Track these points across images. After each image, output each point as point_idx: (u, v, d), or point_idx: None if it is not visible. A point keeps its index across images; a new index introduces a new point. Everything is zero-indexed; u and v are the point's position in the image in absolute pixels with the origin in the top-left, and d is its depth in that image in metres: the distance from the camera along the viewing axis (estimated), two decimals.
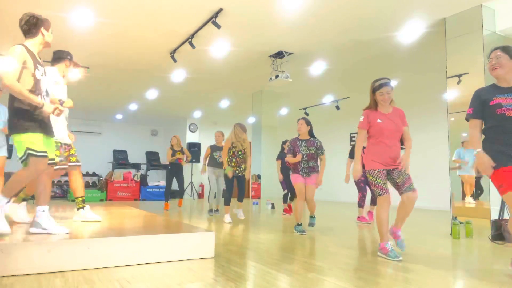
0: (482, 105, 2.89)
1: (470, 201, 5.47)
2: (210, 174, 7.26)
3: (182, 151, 8.61)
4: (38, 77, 2.97)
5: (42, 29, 3.05)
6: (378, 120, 3.63)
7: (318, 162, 5.31)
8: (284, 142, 7.98)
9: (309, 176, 5.12)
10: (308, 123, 5.23)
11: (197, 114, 13.24)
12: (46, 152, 2.97)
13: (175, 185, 9.24)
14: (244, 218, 6.56)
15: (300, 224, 5.18)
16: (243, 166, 6.16)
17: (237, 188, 6.28)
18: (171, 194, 8.73)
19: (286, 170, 7.84)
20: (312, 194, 5.12)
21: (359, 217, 6.48)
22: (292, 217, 7.41)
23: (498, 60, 2.89)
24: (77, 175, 4.04)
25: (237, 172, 6.13)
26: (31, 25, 3.00)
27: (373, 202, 6.30)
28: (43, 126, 3.01)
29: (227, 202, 6.13)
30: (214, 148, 7.41)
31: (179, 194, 8.87)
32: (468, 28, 5.03)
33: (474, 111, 2.92)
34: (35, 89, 2.93)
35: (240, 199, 6.39)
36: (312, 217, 5.31)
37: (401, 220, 3.61)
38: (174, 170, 8.52)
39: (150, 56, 7.15)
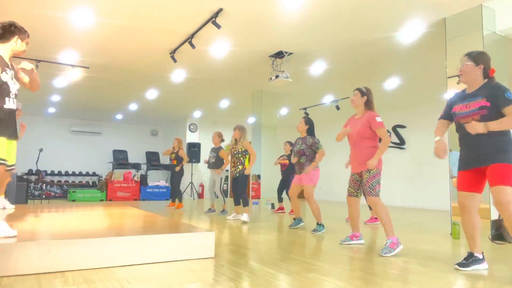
0: (450, 109, 3.08)
1: None
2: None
3: (176, 153, 8.48)
4: (4, 80, 2.91)
5: (16, 37, 3.05)
6: (348, 126, 4.10)
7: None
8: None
9: (301, 173, 5.19)
10: (307, 122, 5.36)
11: (197, 114, 13.23)
12: (6, 160, 2.87)
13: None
14: (246, 223, 5.86)
15: (295, 219, 5.40)
16: (240, 167, 6.08)
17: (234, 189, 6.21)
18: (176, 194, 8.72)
19: (286, 171, 7.90)
20: (307, 193, 5.10)
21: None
22: (286, 215, 7.51)
23: (463, 67, 2.95)
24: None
25: (234, 172, 6.15)
26: (6, 31, 3.02)
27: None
28: (8, 128, 2.92)
29: (236, 203, 6.19)
30: (211, 149, 7.49)
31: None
32: (468, 28, 5.02)
33: (443, 114, 3.15)
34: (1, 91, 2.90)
35: (235, 201, 6.19)
36: (318, 224, 5.01)
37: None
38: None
39: (150, 56, 7.15)
